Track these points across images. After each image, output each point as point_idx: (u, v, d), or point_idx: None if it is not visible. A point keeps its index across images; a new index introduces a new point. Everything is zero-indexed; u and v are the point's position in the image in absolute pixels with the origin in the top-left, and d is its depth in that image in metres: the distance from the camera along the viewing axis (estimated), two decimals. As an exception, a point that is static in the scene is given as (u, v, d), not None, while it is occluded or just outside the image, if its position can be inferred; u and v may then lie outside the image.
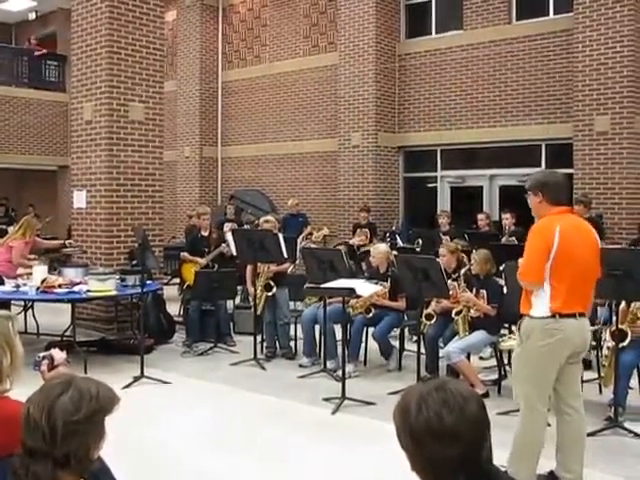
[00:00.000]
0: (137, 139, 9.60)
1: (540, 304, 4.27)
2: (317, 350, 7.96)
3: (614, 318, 5.95)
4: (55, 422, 1.88)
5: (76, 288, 7.74)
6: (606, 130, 11.24)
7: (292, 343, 8.49)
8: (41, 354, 2.80)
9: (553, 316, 4.23)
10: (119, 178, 9.44)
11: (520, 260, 4.52)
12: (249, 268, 8.47)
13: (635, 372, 6.26)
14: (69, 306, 8.23)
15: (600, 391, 6.53)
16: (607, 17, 11.18)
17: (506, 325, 7.92)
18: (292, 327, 8.55)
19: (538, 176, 4.60)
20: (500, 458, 1.98)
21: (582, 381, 6.23)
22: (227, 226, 11.33)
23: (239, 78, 17.63)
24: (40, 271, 7.95)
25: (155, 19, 9.77)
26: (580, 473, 4.43)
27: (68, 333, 8.28)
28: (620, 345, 5.70)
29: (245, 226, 12.59)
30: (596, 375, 6.76)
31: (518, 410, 5.95)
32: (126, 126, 9.48)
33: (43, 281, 7.71)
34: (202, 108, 17.85)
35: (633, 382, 6.25)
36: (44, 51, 19.99)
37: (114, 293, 7.89)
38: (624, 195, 11.16)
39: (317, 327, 7.87)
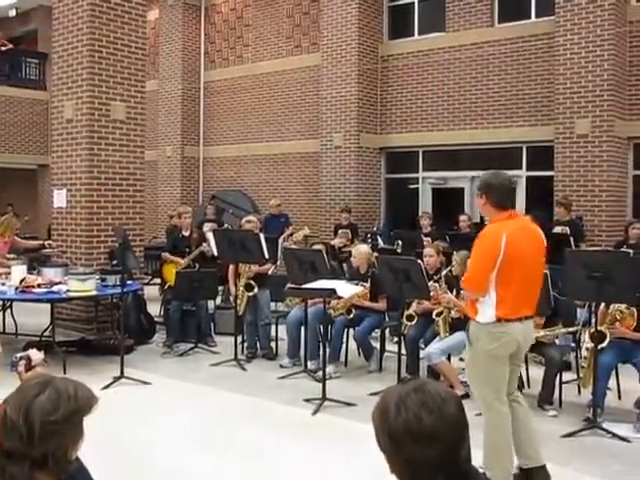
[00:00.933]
0: (118, 138, 9.54)
1: (485, 311, 4.32)
2: (299, 351, 7.95)
3: (593, 320, 5.98)
4: (32, 423, 1.86)
5: (55, 288, 7.67)
6: (586, 133, 11.32)
7: (273, 344, 8.48)
8: (18, 355, 2.78)
9: (498, 321, 4.29)
10: (100, 177, 9.38)
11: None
12: (230, 268, 8.46)
13: (613, 373, 6.31)
14: (48, 306, 8.17)
15: (579, 392, 6.58)
16: (588, 21, 11.26)
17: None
18: (273, 328, 8.54)
19: (484, 177, 4.57)
20: (476, 457, 1.98)
21: (561, 382, 6.31)
22: (207, 226, 11.28)
23: (221, 78, 17.59)
24: (19, 271, 7.88)
25: (137, 17, 9.72)
26: (538, 456, 4.51)
27: (47, 333, 8.23)
28: (599, 347, 5.75)
29: (226, 226, 12.57)
30: (575, 376, 6.81)
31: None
32: (107, 125, 9.43)
33: (22, 281, 7.64)
34: (184, 108, 17.80)
35: (611, 383, 6.30)
36: (10, 46, 19.81)
37: (94, 293, 7.83)
38: (604, 197, 11.24)
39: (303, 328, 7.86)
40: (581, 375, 6.25)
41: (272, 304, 8.85)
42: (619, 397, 6.48)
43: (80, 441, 1.97)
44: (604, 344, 5.79)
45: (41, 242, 9.83)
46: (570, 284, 5.92)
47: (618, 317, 5.96)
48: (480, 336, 4.37)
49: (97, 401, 2.00)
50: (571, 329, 6.49)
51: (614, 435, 5.48)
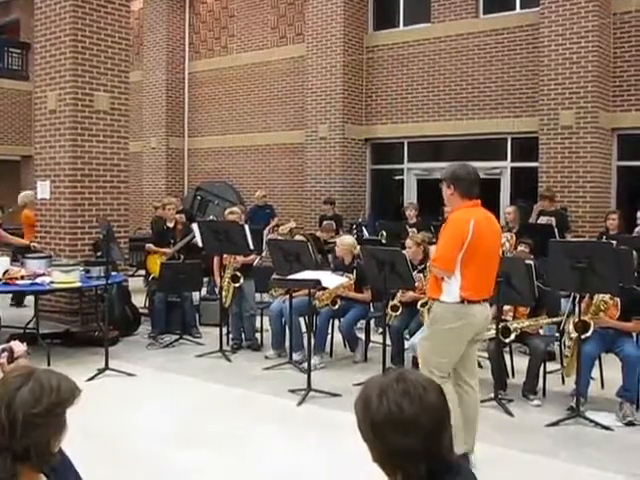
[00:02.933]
0: (102, 129, 9.48)
1: (450, 291, 4.55)
2: (284, 342, 7.96)
3: (577, 310, 6.02)
4: (15, 415, 1.85)
5: (39, 280, 7.63)
6: (571, 124, 11.36)
7: (258, 335, 8.48)
8: (0, 346, 2.76)
9: (462, 302, 4.53)
10: (84, 169, 9.31)
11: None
12: (215, 260, 8.44)
13: (597, 363, 6.36)
14: (32, 298, 8.13)
15: (563, 382, 6.64)
16: (572, 12, 11.28)
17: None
18: (258, 319, 8.54)
19: (452, 169, 4.81)
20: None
21: (545, 372, 6.35)
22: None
23: (206, 69, 17.50)
24: (2, 262, 7.83)
25: (121, 7, 9.64)
26: (472, 445, 4.66)
27: (31, 325, 8.18)
28: (583, 336, 5.78)
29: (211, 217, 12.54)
30: (559, 366, 6.86)
31: (482, 401, 6.03)
32: (91, 116, 9.36)
33: (5, 272, 7.60)
34: (169, 99, 17.70)
35: (595, 373, 6.35)
36: None
37: (78, 285, 7.80)
38: (588, 189, 11.29)
39: (284, 320, 7.86)
40: (565, 364, 6.29)
41: (257, 295, 8.85)
42: (602, 386, 6.53)
43: (63, 433, 1.95)
44: (588, 334, 5.83)
45: (27, 243, 9.68)
46: (554, 274, 5.95)
47: (602, 307, 6.00)
48: (445, 315, 4.59)
49: (80, 393, 1.99)
50: (555, 319, 6.53)
51: (597, 424, 5.53)
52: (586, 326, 5.83)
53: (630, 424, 5.57)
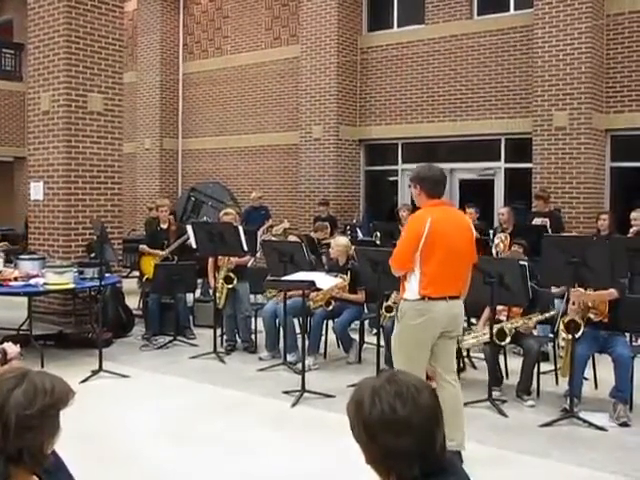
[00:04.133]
0: (96, 130, 9.47)
1: (412, 288, 4.73)
2: (278, 344, 7.95)
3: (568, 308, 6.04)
4: (8, 417, 1.84)
5: (33, 281, 7.61)
6: (564, 125, 11.39)
7: (253, 337, 8.47)
8: (-7, 348, 2.75)
9: (423, 299, 4.67)
10: (77, 170, 9.30)
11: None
12: (210, 261, 8.43)
13: (590, 363, 6.37)
14: (25, 299, 8.10)
15: (557, 382, 6.65)
16: (566, 14, 11.31)
17: (465, 317, 8.01)
18: (252, 320, 8.53)
19: (417, 170, 4.99)
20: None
21: (539, 372, 6.36)
22: None
23: (200, 70, 17.49)
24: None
25: (114, 8, 9.63)
26: (461, 440, 4.72)
27: (25, 327, 8.16)
28: (575, 336, 5.79)
29: (205, 219, 12.55)
30: (553, 367, 6.87)
31: (476, 401, 6.05)
32: (85, 117, 9.35)
33: (-2, 274, 7.58)
34: (162, 100, 17.68)
35: (589, 373, 6.36)
36: None
37: (72, 286, 7.78)
38: (582, 189, 11.32)
39: (278, 321, 7.85)
40: (559, 365, 6.30)
41: (251, 296, 8.84)
42: (595, 387, 6.54)
43: (56, 435, 1.95)
44: (578, 334, 5.84)
45: None
46: (547, 270, 5.97)
47: (590, 304, 6.02)
48: (406, 312, 4.75)
49: (74, 394, 1.99)
50: (547, 315, 6.50)
51: (591, 424, 5.54)
52: (577, 326, 5.84)
53: (624, 425, 5.58)
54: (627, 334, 6.56)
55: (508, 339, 6.24)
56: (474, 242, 5.01)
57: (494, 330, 6.18)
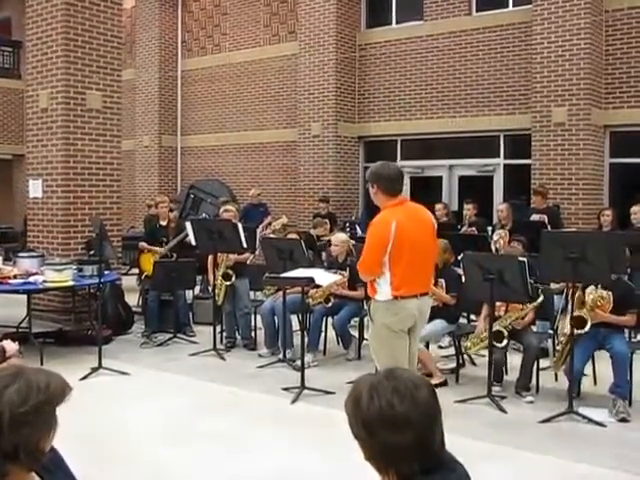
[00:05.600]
0: (94, 128, 9.46)
1: (382, 290, 4.78)
2: (277, 341, 7.95)
3: (569, 305, 6.03)
4: (2, 414, 1.84)
5: (32, 279, 7.61)
6: (563, 121, 11.38)
7: (253, 334, 8.47)
8: (-8, 346, 2.75)
9: (395, 299, 4.74)
10: (76, 167, 9.29)
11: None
12: (210, 258, 8.42)
13: (589, 360, 6.37)
14: (25, 297, 8.10)
15: (556, 379, 6.64)
16: (565, 10, 11.30)
17: (464, 314, 8.02)
18: (252, 317, 8.53)
19: (374, 168, 4.97)
20: (455, 443, 1.99)
21: (539, 369, 6.36)
22: None
23: (199, 67, 17.48)
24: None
25: (112, 5, 9.61)
26: None
27: (24, 324, 8.16)
28: (578, 332, 5.79)
29: (204, 215, 12.54)
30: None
31: (476, 398, 6.06)
32: (83, 114, 9.34)
33: (-3, 272, 7.58)
34: (161, 97, 17.67)
35: (588, 369, 6.36)
36: None
37: (71, 284, 7.78)
38: (581, 186, 11.32)
39: (277, 318, 7.85)
40: (555, 359, 6.30)
41: (251, 293, 8.83)
42: (595, 383, 6.54)
43: (52, 432, 1.94)
44: (586, 329, 5.83)
45: None
46: (546, 265, 5.97)
47: (599, 303, 6.00)
48: (379, 312, 4.81)
49: (71, 391, 1.98)
50: (536, 303, 6.43)
51: (590, 420, 5.54)
52: (583, 321, 5.84)
53: (623, 420, 5.59)
54: (626, 330, 6.57)
55: (505, 341, 6.20)
56: (436, 233, 5.11)
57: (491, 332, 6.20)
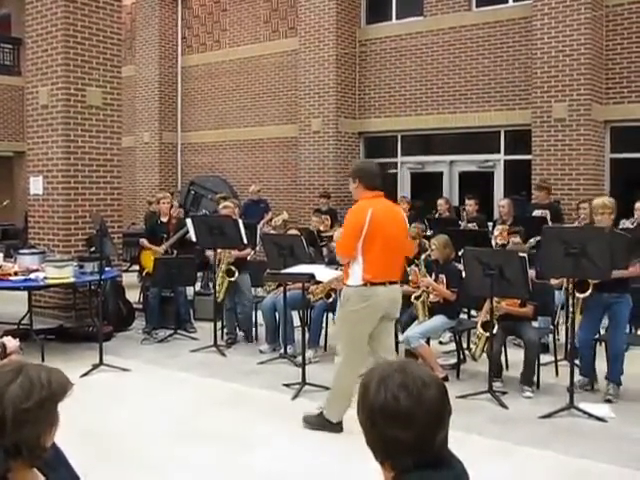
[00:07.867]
0: (95, 124, 9.45)
1: (355, 275, 5.10)
2: (277, 336, 7.95)
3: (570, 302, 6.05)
4: (4, 411, 1.84)
5: (33, 275, 7.60)
6: (564, 117, 11.37)
7: (254, 329, 8.48)
8: (-7, 342, 2.75)
9: (365, 284, 5.06)
10: (77, 164, 9.29)
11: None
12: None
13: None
14: (26, 294, 8.11)
15: (556, 374, 6.65)
16: (565, 5, 11.28)
17: (465, 310, 8.02)
18: (253, 312, 8.54)
19: (355, 166, 5.46)
20: (456, 439, 1.99)
21: (539, 364, 6.36)
22: None
23: (199, 63, 17.47)
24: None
25: (112, 2, 9.60)
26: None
27: (25, 321, 8.16)
28: (582, 296, 5.96)
29: (204, 212, 12.54)
30: (552, 358, 6.87)
31: (477, 393, 6.06)
32: (83, 111, 9.33)
33: (-2, 268, 7.58)
34: (161, 93, 17.66)
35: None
36: None
37: (72, 280, 7.78)
38: (581, 181, 11.31)
39: (277, 314, 7.86)
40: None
41: (252, 289, 8.84)
42: (595, 379, 6.53)
43: (55, 428, 1.95)
44: (587, 293, 5.93)
45: None
46: (547, 261, 5.97)
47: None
48: (350, 297, 5.13)
49: (72, 387, 1.98)
50: (524, 296, 6.45)
51: (590, 416, 5.55)
52: (586, 286, 5.90)
53: (608, 402, 5.85)
54: (627, 326, 6.59)
55: (495, 329, 6.21)
56: (408, 233, 5.55)
57: (479, 323, 6.38)
